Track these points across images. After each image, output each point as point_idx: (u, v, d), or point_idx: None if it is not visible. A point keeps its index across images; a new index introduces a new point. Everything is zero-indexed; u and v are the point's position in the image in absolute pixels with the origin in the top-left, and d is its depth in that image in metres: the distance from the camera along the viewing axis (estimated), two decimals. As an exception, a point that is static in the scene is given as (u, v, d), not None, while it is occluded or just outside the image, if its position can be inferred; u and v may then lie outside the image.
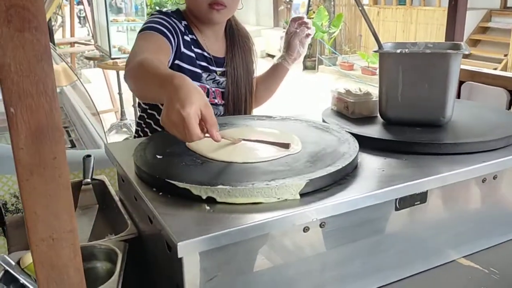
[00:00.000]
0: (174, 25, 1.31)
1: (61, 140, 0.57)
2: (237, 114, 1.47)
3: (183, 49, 1.33)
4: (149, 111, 1.46)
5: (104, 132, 2.75)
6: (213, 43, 1.43)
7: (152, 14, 1.36)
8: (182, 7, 1.43)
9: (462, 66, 1.13)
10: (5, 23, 0.51)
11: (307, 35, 1.50)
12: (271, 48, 11.49)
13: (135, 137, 1.54)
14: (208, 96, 1.39)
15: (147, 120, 1.47)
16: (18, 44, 0.52)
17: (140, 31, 1.29)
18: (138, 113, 1.51)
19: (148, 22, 1.30)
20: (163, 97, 0.87)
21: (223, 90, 1.44)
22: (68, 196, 0.60)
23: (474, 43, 8.96)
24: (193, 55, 1.36)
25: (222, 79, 1.44)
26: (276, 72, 1.57)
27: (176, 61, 1.32)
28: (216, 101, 1.42)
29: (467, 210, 1.08)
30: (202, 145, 0.98)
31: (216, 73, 1.43)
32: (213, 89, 1.41)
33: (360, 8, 1.10)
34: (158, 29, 1.27)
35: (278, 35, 11.53)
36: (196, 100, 0.82)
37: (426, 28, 9.56)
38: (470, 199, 1.08)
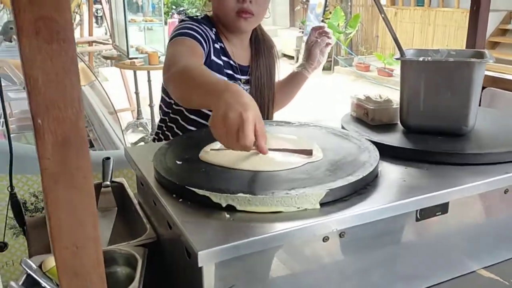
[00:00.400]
0: (206, 32, 1.31)
1: (86, 150, 0.58)
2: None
3: (212, 57, 1.33)
4: (172, 115, 1.46)
5: (122, 132, 2.77)
6: (239, 51, 1.44)
7: (182, 20, 1.36)
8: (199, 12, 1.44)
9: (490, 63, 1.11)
10: (34, 35, 0.52)
11: (327, 44, 1.50)
12: (287, 48, 11.47)
13: (154, 139, 1.55)
14: None
15: (168, 123, 1.48)
16: (46, 56, 0.53)
17: (173, 37, 1.28)
18: (160, 116, 1.52)
19: (181, 28, 1.30)
20: (213, 101, 0.86)
21: None
22: (92, 204, 0.60)
23: (493, 45, 8.82)
24: (221, 63, 1.37)
25: (246, 87, 1.45)
26: (295, 80, 1.58)
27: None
28: None
29: (488, 221, 1.06)
30: (220, 157, 0.97)
31: (240, 81, 1.43)
32: None
33: (383, 16, 1.09)
34: (192, 35, 1.26)
35: (294, 35, 11.51)
36: (255, 108, 0.84)
37: (444, 30, 9.44)
38: (491, 210, 1.06)
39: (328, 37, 1.49)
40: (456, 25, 9.13)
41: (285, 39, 11.74)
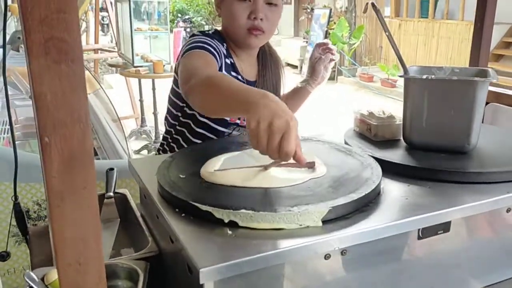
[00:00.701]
0: (218, 47, 1.32)
1: (92, 167, 0.58)
2: None
3: (224, 71, 1.34)
4: (178, 127, 1.46)
5: (126, 140, 2.78)
6: (247, 67, 1.45)
7: (194, 35, 1.36)
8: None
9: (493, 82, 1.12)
10: (43, 55, 0.53)
11: (331, 60, 1.51)
12: (291, 57, 11.51)
13: (159, 150, 1.55)
14: (239, 118, 1.41)
15: (174, 135, 1.48)
16: (55, 75, 0.54)
17: (187, 50, 1.27)
18: (166, 128, 1.53)
19: (194, 42, 1.29)
20: (251, 108, 0.84)
21: None
22: (96, 222, 0.61)
23: (497, 58, 8.84)
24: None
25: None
26: (298, 95, 1.59)
27: None
28: (243, 123, 1.44)
29: (490, 240, 1.06)
30: (223, 178, 0.97)
31: None
32: None
33: (387, 34, 1.10)
34: (207, 48, 1.26)
35: (298, 44, 11.56)
36: (293, 115, 0.83)
37: (448, 42, 9.47)
38: (493, 229, 1.06)
39: (332, 54, 1.50)
40: (460, 38, 9.15)
41: (289, 48, 11.79)
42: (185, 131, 1.44)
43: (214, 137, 1.41)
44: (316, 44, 1.54)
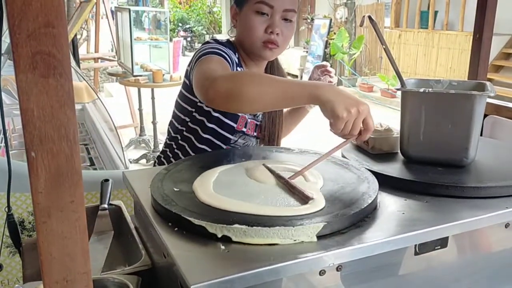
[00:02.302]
0: (231, 55, 1.34)
1: (79, 183, 0.57)
2: (271, 144, 1.53)
3: None
4: (185, 133, 1.47)
5: (123, 150, 2.77)
6: None
7: (208, 42, 1.38)
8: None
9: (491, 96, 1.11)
10: (30, 70, 0.52)
11: (329, 82, 1.52)
12: (291, 67, 11.54)
13: (159, 157, 1.55)
14: (245, 127, 1.43)
15: (180, 141, 1.48)
16: (42, 90, 0.53)
17: (201, 55, 1.27)
18: (170, 135, 1.52)
19: (208, 48, 1.30)
20: (316, 95, 0.97)
21: (257, 122, 1.49)
22: (84, 238, 0.60)
23: (496, 69, 8.85)
24: None
25: (258, 112, 1.48)
26: (296, 114, 1.63)
27: None
28: (249, 132, 1.46)
29: (489, 256, 1.05)
30: (220, 202, 0.93)
31: None
32: (248, 120, 1.46)
33: (384, 47, 1.09)
34: (221, 54, 1.28)
35: (299, 54, 11.59)
36: (363, 103, 0.98)
37: (448, 52, 9.49)
38: (492, 244, 1.05)
39: (330, 76, 1.52)
40: (459, 48, 9.17)
41: (289, 58, 11.81)
42: (192, 137, 1.45)
43: (221, 144, 1.42)
44: (315, 66, 1.56)
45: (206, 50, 1.28)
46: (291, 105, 1.14)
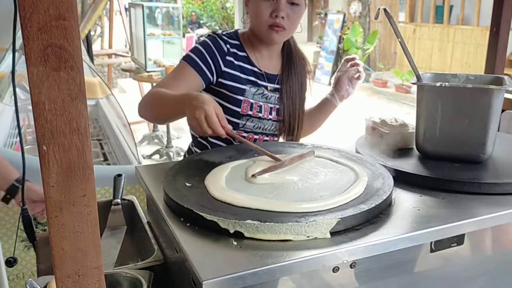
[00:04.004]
0: (215, 50, 1.41)
1: (91, 177, 0.57)
2: (291, 129, 1.54)
3: (224, 68, 1.42)
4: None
5: (136, 145, 2.78)
6: (266, 60, 1.51)
7: (208, 35, 1.48)
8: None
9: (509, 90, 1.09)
10: (42, 62, 0.51)
11: (358, 77, 1.54)
12: (304, 62, 11.47)
13: (186, 154, 1.59)
14: (251, 110, 1.45)
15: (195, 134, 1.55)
16: (54, 83, 0.52)
17: (183, 57, 1.42)
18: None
19: (191, 51, 1.42)
20: (182, 109, 1.17)
21: (272, 105, 1.50)
22: (96, 233, 0.59)
23: (513, 64, 8.71)
24: (236, 72, 1.44)
25: (272, 95, 1.50)
26: (324, 107, 1.62)
27: (219, 79, 1.42)
28: (260, 115, 1.46)
29: (506, 253, 1.03)
30: (234, 199, 0.92)
31: (266, 88, 1.49)
32: (260, 103, 1.47)
33: (400, 40, 1.07)
34: (194, 61, 1.38)
35: (312, 50, 11.52)
36: (211, 102, 1.12)
37: (464, 47, 9.35)
38: (509, 242, 1.03)
39: (358, 70, 1.53)
40: (475, 43, 9.03)
41: (302, 53, 11.76)
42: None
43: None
44: (344, 59, 1.57)
45: (187, 53, 1.43)
46: (182, 116, 1.25)
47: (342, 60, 1.58)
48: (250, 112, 1.45)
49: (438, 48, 9.90)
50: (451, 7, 9.77)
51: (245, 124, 1.45)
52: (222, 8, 16.13)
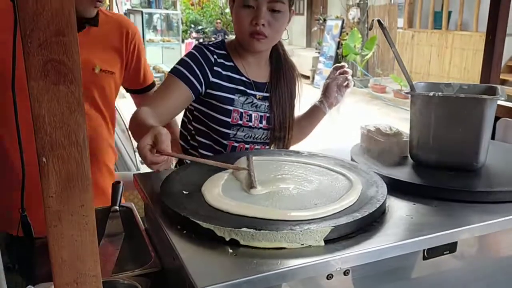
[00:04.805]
0: (202, 60, 1.41)
1: (89, 188, 0.58)
2: (282, 137, 1.54)
3: (212, 79, 1.41)
4: (184, 131, 1.55)
5: (134, 151, 2.80)
6: (254, 69, 1.50)
7: (195, 46, 1.47)
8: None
9: (501, 100, 1.11)
10: (42, 77, 0.53)
11: (347, 85, 1.55)
12: (303, 68, 11.52)
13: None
14: (241, 119, 1.45)
15: (190, 141, 1.54)
16: (53, 97, 0.54)
17: (171, 70, 1.42)
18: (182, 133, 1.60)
19: (178, 63, 1.42)
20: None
21: (262, 114, 1.50)
22: (93, 242, 0.61)
23: (511, 69, 8.74)
24: (224, 83, 1.43)
25: (261, 103, 1.50)
26: (313, 114, 1.62)
27: (208, 90, 1.41)
28: (250, 124, 1.47)
29: (498, 261, 1.04)
30: (232, 207, 0.94)
31: (255, 97, 1.49)
32: (249, 112, 1.47)
33: (393, 50, 1.09)
34: (182, 73, 1.38)
35: (311, 55, 11.58)
36: (147, 135, 1.03)
37: (462, 53, 9.39)
38: (501, 250, 1.04)
39: (347, 78, 1.54)
40: (474, 49, 9.07)
41: (301, 59, 11.80)
42: (194, 132, 1.51)
43: (220, 139, 1.45)
44: (333, 67, 1.58)
45: (176, 65, 1.42)
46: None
47: (332, 69, 1.59)
48: (240, 122, 1.45)
49: (437, 54, 9.95)
50: (449, 12, 9.83)
51: (235, 134, 1.45)
52: (221, 14, 16.20)
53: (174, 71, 1.39)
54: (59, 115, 0.55)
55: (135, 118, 1.25)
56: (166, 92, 1.37)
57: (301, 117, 1.64)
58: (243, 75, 1.47)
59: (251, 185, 1.01)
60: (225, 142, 1.45)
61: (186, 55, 1.44)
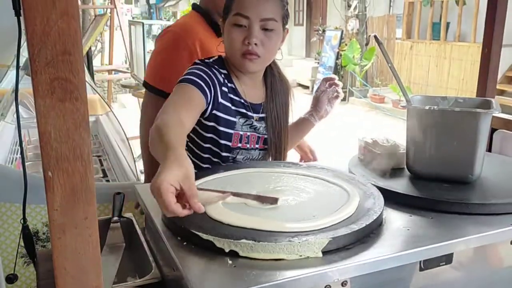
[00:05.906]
0: (213, 76, 1.35)
1: (93, 201, 0.60)
2: (278, 156, 1.52)
3: (220, 100, 1.37)
4: (188, 151, 1.48)
5: (134, 162, 2.81)
6: (250, 90, 1.46)
7: (195, 63, 1.40)
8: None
9: (495, 114, 1.13)
10: (49, 95, 0.55)
11: (336, 96, 1.53)
12: (302, 78, 11.58)
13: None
14: (240, 142, 1.43)
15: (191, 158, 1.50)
16: (59, 113, 0.56)
17: (180, 80, 1.32)
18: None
19: (188, 74, 1.33)
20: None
21: (259, 135, 1.48)
22: (96, 253, 0.62)
23: (509, 80, 8.78)
24: (229, 104, 1.40)
25: (259, 125, 1.47)
26: (302, 126, 1.61)
27: (214, 111, 1.37)
28: (247, 145, 1.46)
29: (494, 272, 1.05)
30: (228, 217, 0.95)
31: (253, 118, 1.45)
32: (248, 134, 1.45)
33: (390, 65, 1.12)
34: (195, 81, 1.30)
35: (310, 65, 11.63)
36: (172, 172, 0.85)
37: (460, 64, 9.44)
38: (497, 261, 1.06)
39: (337, 90, 1.52)
40: (472, 60, 9.12)
41: (300, 69, 11.87)
42: (191, 155, 1.47)
43: (220, 162, 1.43)
44: (323, 79, 1.55)
45: (186, 76, 1.32)
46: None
47: (321, 80, 1.56)
48: (239, 145, 1.43)
49: (435, 65, 9.99)
50: (448, 24, 9.89)
51: (235, 157, 1.43)
52: (221, 24, 16.25)
53: (187, 80, 1.30)
54: (64, 131, 0.57)
55: (158, 130, 1.08)
56: (185, 101, 1.26)
57: (290, 128, 1.60)
58: (242, 97, 1.43)
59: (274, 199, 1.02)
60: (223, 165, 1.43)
61: (194, 68, 1.35)
